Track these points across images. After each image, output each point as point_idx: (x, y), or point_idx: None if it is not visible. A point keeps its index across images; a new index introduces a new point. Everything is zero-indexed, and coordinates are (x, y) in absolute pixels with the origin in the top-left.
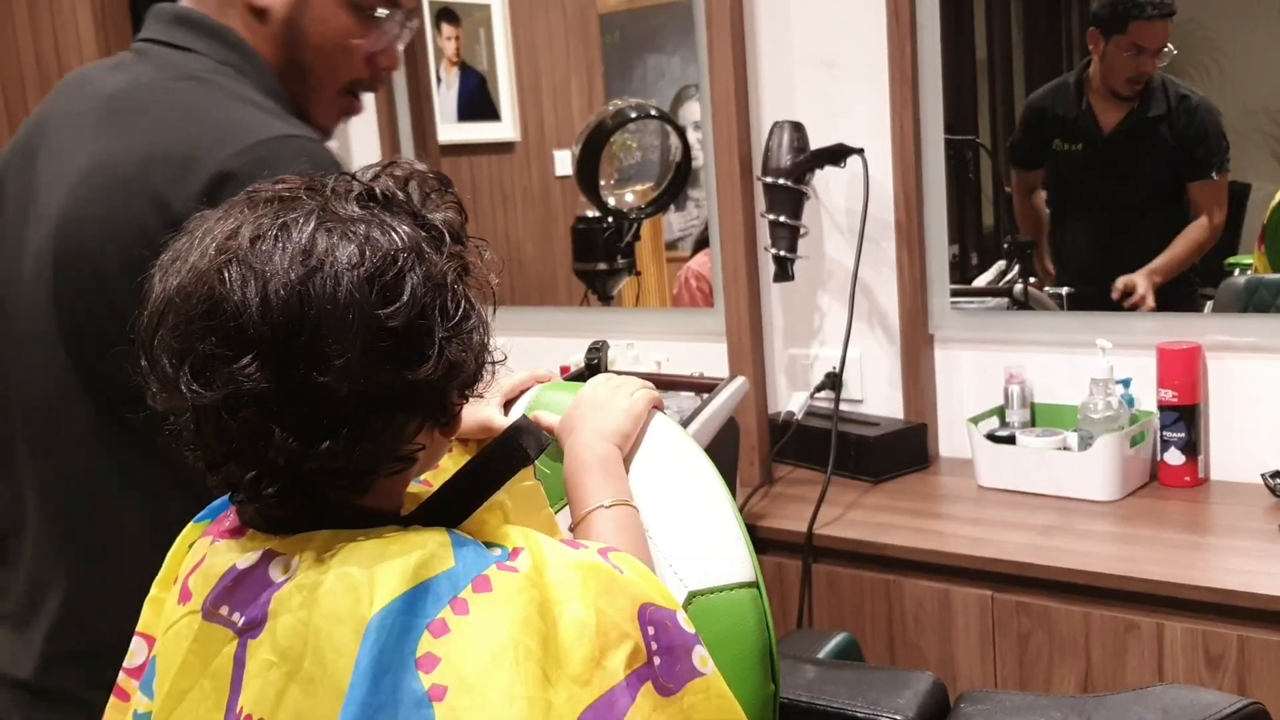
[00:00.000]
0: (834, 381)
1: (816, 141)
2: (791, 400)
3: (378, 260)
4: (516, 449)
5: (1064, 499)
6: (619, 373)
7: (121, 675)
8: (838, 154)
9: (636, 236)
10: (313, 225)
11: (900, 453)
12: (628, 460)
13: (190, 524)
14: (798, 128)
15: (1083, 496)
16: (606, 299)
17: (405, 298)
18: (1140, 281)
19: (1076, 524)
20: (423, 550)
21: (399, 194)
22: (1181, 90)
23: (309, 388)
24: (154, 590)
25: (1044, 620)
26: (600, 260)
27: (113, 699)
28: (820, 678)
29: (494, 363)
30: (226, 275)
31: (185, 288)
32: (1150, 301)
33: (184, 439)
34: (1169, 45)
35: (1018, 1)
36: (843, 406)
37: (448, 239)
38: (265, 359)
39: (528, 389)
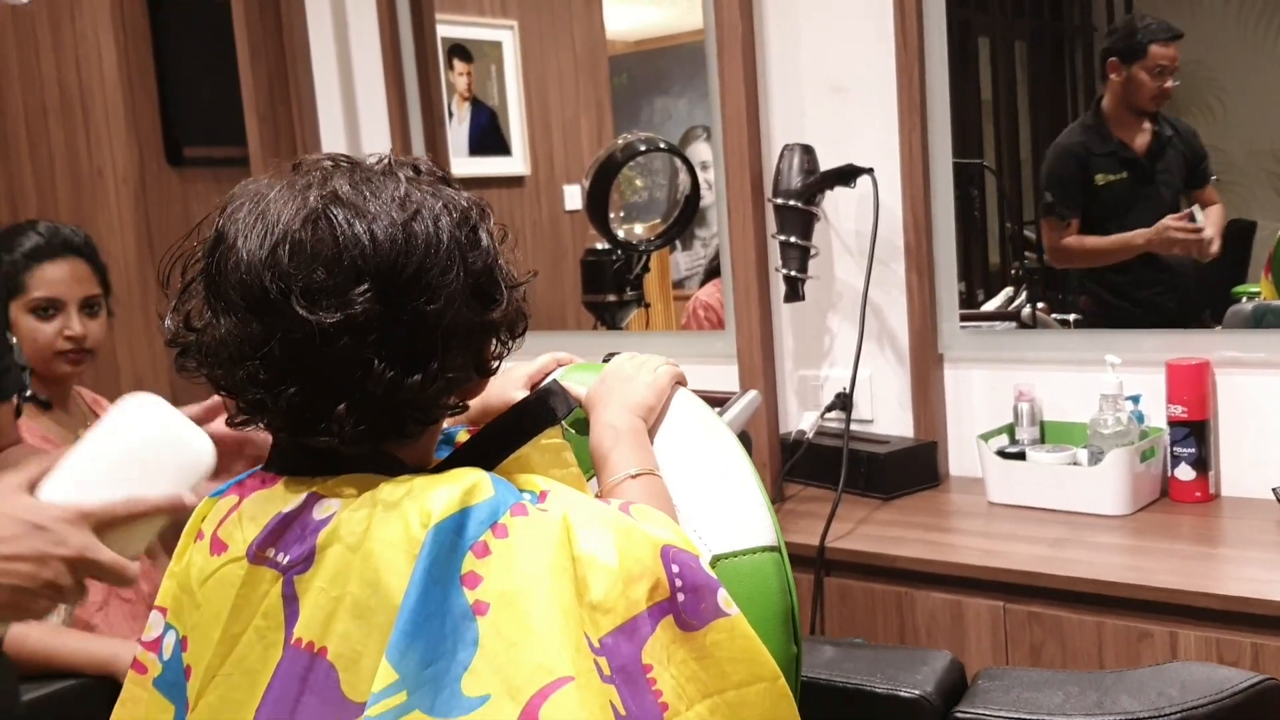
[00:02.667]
0: (844, 402)
1: (826, 165)
2: (802, 420)
3: (458, 213)
4: (545, 408)
5: (1075, 514)
6: None
7: (139, 649)
8: (848, 174)
9: (646, 269)
10: (400, 180)
11: (911, 470)
12: (652, 432)
13: (204, 500)
14: (808, 150)
15: (1093, 511)
16: (615, 330)
17: (483, 245)
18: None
19: (1087, 537)
20: (467, 480)
21: (436, 171)
22: (1171, 119)
23: (414, 316)
24: (171, 566)
25: (1056, 630)
26: (610, 292)
27: (131, 673)
28: (839, 656)
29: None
30: (334, 215)
31: (290, 225)
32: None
33: (246, 381)
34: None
35: (1022, 44)
36: (853, 427)
37: (488, 209)
38: (376, 288)
39: (551, 371)
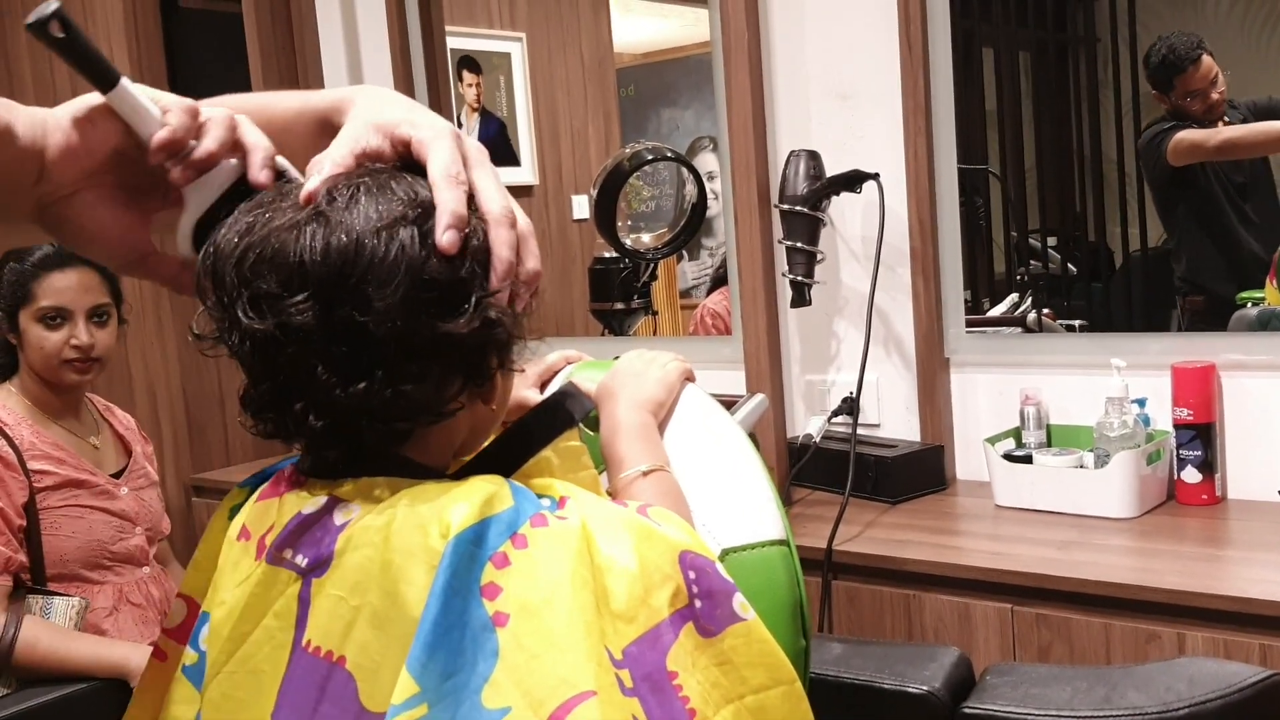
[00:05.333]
0: (851, 406)
1: (832, 171)
2: (809, 424)
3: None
4: (562, 411)
5: (1082, 517)
6: None
7: (160, 636)
8: (854, 179)
9: (653, 277)
10: (401, 187)
11: (917, 474)
12: (662, 427)
13: (234, 489)
14: (814, 156)
15: (1100, 514)
16: (623, 337)
17: (461, 254)
18: None
19: (1095, 539)
20: (486, 490)
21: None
22: (1243, 104)
23: (350, 327)
24: (197, 555)
25: (1064, 632)
26: (617, 300)
27: (151, 659)
28: (847, 653)
29: (529, 339)
30: (306, 227)
31: (263, 233)
32: None
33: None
34: (1218, 72)
35: (1026, 54)
36: (860, 431)
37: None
38: (316, 298)
39: (560, 369)
